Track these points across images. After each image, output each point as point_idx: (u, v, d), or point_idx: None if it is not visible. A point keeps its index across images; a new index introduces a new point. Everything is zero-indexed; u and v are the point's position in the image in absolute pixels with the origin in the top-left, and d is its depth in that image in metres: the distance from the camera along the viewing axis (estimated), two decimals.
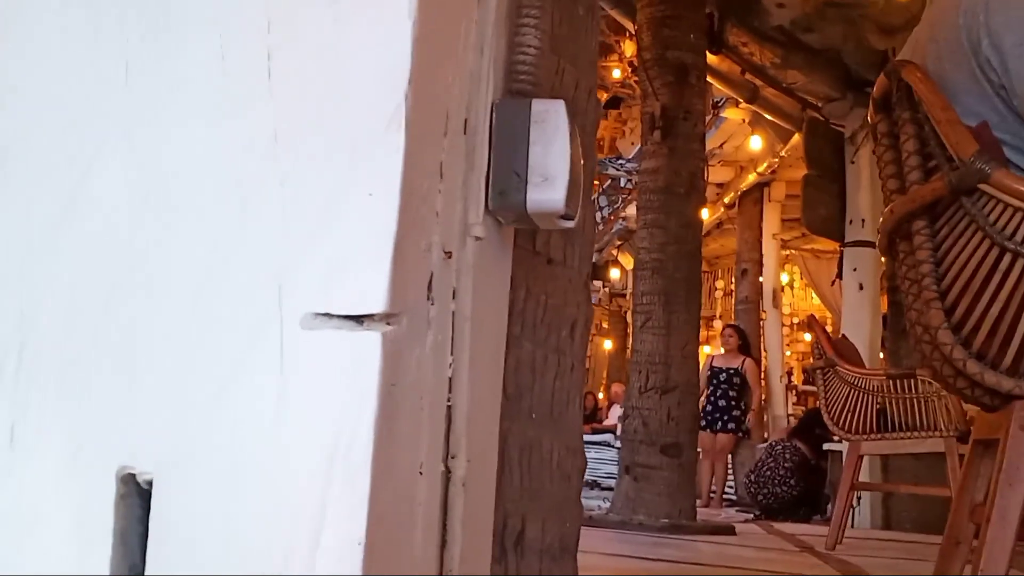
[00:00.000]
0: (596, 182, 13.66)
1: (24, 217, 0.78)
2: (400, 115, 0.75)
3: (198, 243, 0.76)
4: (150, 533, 0.73)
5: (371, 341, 0.73)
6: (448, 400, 0.83)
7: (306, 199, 0.75)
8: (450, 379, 0.83)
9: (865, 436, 4.51)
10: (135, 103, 0.78)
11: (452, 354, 0.84)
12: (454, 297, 0.84)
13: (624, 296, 15.21)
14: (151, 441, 0.74)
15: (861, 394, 4.56)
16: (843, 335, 5.22)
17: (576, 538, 1.14)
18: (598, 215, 13.58)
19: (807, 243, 11.21)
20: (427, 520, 0.79)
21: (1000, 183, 1.61)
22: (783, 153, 9.40)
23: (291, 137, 0.76)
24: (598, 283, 15.00)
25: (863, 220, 7.11)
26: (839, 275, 7.52)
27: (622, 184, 11.81)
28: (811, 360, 5.00)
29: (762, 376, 10.69)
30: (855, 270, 7.16)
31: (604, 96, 16.92)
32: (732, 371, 9.88)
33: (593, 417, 15.18)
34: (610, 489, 12.84)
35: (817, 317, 5.49)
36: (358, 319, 0.73)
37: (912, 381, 4.49)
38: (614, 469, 13.42)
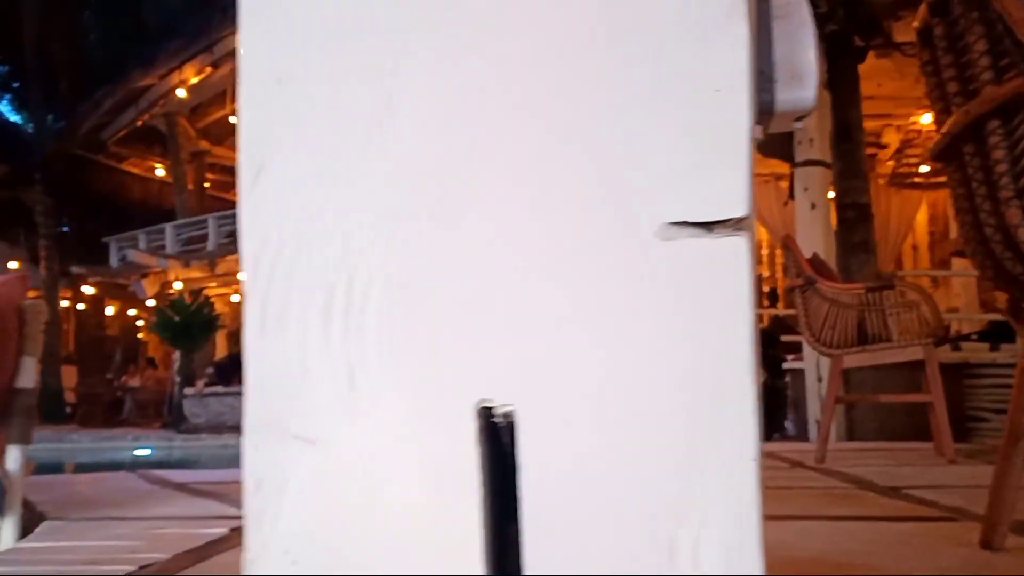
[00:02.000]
0: None
1: (340, 132, 0.71)
2: (741, 1, 0.70)
3: (531, 155, 0.70)
4: (521, 467, 0.68)
5: (737, 249, 0.68)
6: None
7: (645, 99, 0.69)
8: None
9: (847, 350, 4.61)
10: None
11: None
12: None
13: None
14: (507, 372, 0.69)
15: (840, 309, 4.66)
16: (815, 253, 5.31)
17: None
18: None
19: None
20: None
21: None
22: None
23: (623, 32, 0.70)
24: None
25: (811, 139, 7.22)
26: (791, 195, 7.64)
27: None
28: (788, 280, 5.08)
29: None
30: (806, 190, 7.29)
31: None
32: None
33: None
34: None
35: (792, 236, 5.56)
36: (715, 225, 0.69)
37: (890, 293, 4.61)
38: None
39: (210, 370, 16.80)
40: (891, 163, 12.63)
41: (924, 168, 12.46)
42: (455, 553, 0.68)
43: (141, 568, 2.20)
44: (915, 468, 4.29)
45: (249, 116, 0.72)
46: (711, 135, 0.69)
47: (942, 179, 10.45)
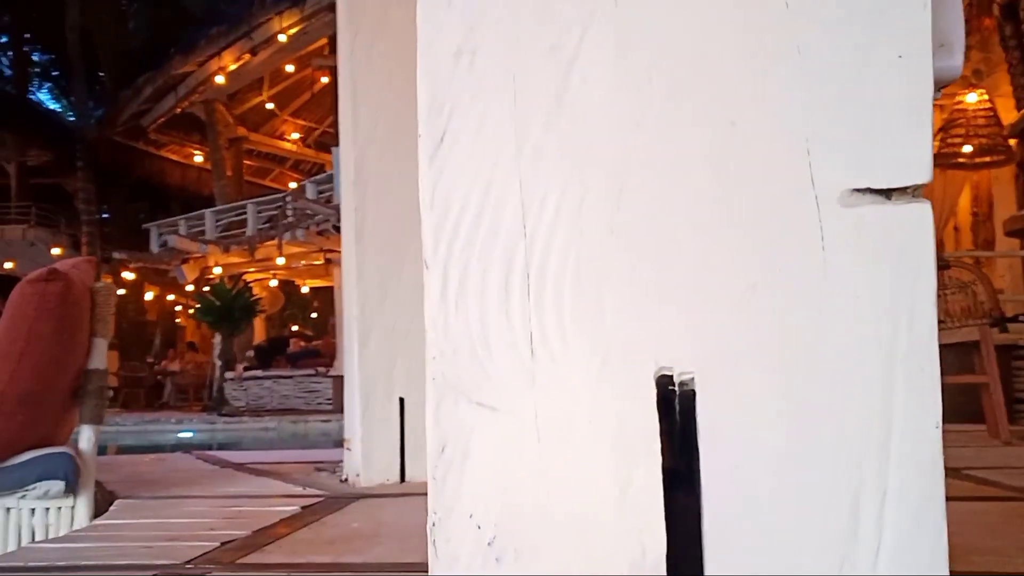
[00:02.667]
0: None
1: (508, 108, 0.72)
2: None
3: (712, 121, 0.70)
4: (699, 431, 0.69)
5: (921, 216, 0.68)
6: None
7: (825, 67, 0.69)
8: None
9: None
10: None
11: None
12: None
13: None
14: (687, 340, 0.69)
15: None
16: None
17: None
18: None
19: None
20: None
21: None
22: None
23: (804, 3, 0.70)
24: None
25: None
26: None
27: None
28: None
29: None
30: None
31: None
32: None
33: None
34: None
35: None
36: (895, 192, 0.69)
37: (943, 273, 4.55)
38: None
39: (250, 353, 16.97)
40: (935, 143, 12.43)
41: (967, 148, 12.28)
42: (635, 518, 0.69)
43: (223, 544, 2.24)
44: (971, 449, 4.24)
45: (428, 88, 0.73)
46: (894, 101, 0.69)
47: (987, 159, 10.28)
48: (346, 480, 3.44)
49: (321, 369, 16.44)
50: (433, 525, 0.71)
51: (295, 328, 25.03)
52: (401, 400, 3.41)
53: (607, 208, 0.71)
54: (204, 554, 2.13)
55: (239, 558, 2.09)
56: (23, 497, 2.99)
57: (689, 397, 0.69)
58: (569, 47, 0.71)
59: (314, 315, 28.04)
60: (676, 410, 0.70)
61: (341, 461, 3.83)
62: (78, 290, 3.01)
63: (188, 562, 2.05)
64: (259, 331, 19.37)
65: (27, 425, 2.96)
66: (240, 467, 4.07)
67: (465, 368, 0.71)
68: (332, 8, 12.57)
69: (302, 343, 19.44)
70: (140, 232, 23.43)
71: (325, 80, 18.92)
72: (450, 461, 0.71)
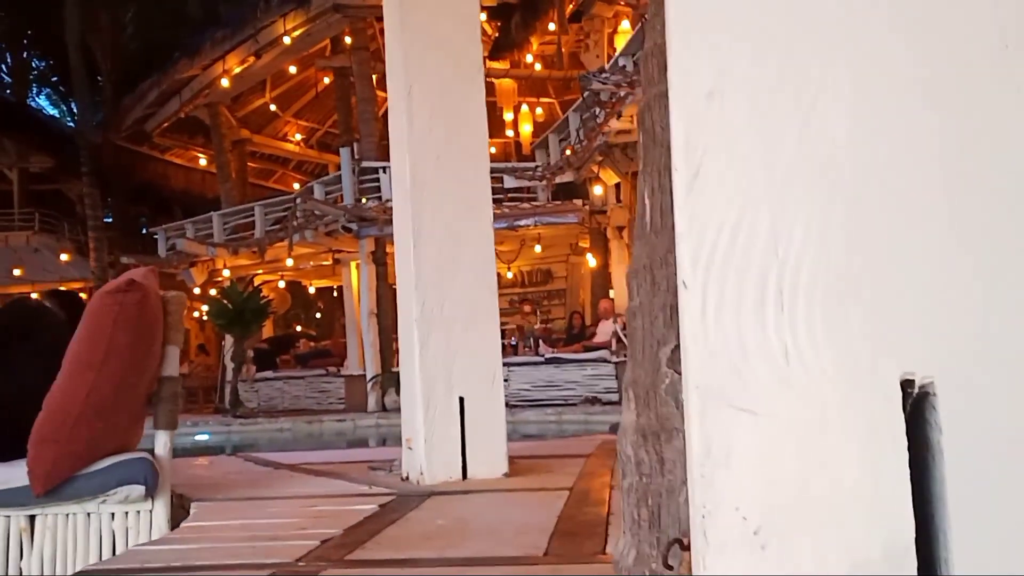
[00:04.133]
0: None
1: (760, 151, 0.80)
2: None
3: (944, 151, 0.79)
4: (942, 430, 0.77)
5: None
6: None
7: None
8: None
9: None
10: (850, 27, 0.80)
11: None
12: None
13: (605, 213, 15.25)
14: (926, 347, 0.78)
15: None
16: None
17: None
18: (578, 131, 13.52)
19: None
20: None
21: None
22: None
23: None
24: (579, 201, 15.00)
25: None
26: None
27: (603, 98, 11.76)
28: None
29: None
30: None
31: (570, 8, 16.74)
32: None
33: (582, 336, 15.33)
34: (611, 403, 13.15)
35: None
36: None
37: None
38: (612, 384, 13.73)
39: (250, 354, 16.99)
40: None
41: None
42: (886, 507, 0.78)
43: (323, 542, 2.33)
44: None
45: (682, 127, 0.82)
46: None
47: None
48: (407, 478, 3.53)
49: (332, 369, 16.54)
50: (703, 517, 0.80)
51: (299, 328, 25.13)
52: (461, 399, 3.50)
53: (849, 229, 0.79)
54: (309, 552, 2.21)
55: (346, 555, 2.18)
56: (103, 502, 3.07)
57: (930, 399, 0.78)
58: (811, 89, 0.80)
59: (318, 315, 28.13)
60: (919, 411, 0.78)
61: (394, 460, 3.92)
62: (153, 300, 3.10)
63: (299, 560, 2.14)
64: (268, 331, 19.43)
65: (107, 432, 3.05)
66: (294, 468, 4.16)
67: (726, 377, 0.80)
68: (337, 9, 12.63)
69: (311, 344, 19.54)
70: (143, 236, 23.48)
71: (327, 81, 18.98)
72: (716, 460, 0.80)
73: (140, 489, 3.01)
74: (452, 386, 3.51)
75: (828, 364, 0.79)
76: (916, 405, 0.79)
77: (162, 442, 3.19)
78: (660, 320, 1.38)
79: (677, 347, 1.33)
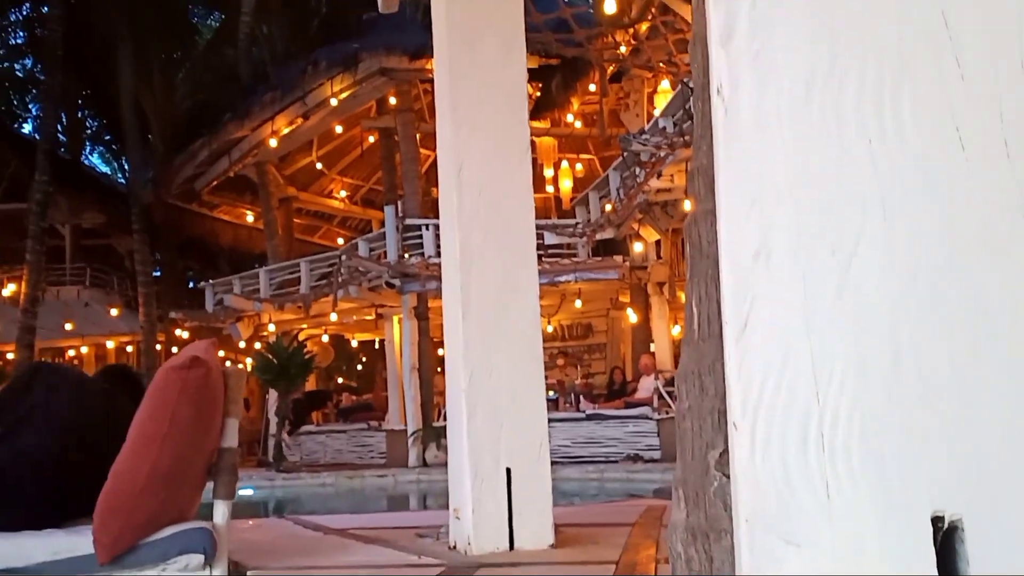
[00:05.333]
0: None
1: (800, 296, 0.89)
2: None
3: (968, 306, 0.87)
4: (971, 570, 0.85)
5: None
6: None
7: None
8: None
9: None
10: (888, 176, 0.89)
11: None
12: None
13: (645, 269, 15.32)
14: (955, 485, 0.86)
15: None
16: None
17: None
18: (618, 189, 13.67)
19: None
20: None
21: None
22: None
23: None
24: (619, 257, 15.09)
25: None
26: None
27: (643, 158, 11.90)
28: None
29: None
30: None
31: (610, 70, 16.99)
32: None
33: (623, 392, 15.31)
34: (653, 461, 13.07)
35: None
36: None
37: None
38: (655, 441, 13.66)
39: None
40: None
41: None
42: None
43: None
44: None
45: (731, 282, 0.91)
46: None
47: None
48: (455, 547, 3.60)
49: (373, 423, 16.65)
50: None
51: (340, 381, 25.35)
52: (508, 470, 3.58)
53: (884, 374, 0.88)
54: None
55: None
56: (164, 570, 3.17)
57: (959, 533, 0.86)
58: (847, 248, 0.89)
59: (360, 368, 28.36)
60: (949, 544, 0.86)
61: (440, 527, 4.00)
62: (215, 375, 3.22)
63: None
64: (309, 384, 19.63)
65: (168, 502, 3.15)
66: (343, 533, 4.24)
67: (773, 510, 0.88)
68: (383, 72, 12.95)
69: (353, 397, 19.70)
70: (190, 290, 23.98)
71: (372, 140, 19.40)
72: None
73: (200, 558, 3.10)
74: (499, 457, 3.59)
75: (865, 500, 0.87)
76: (946, 539, 0.87)
77: (220, 511, 3.29)
78: (709, 423, 1.46)
79: (725, 451, 1.41)
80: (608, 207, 14.08)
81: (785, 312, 0.89)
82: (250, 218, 22.19)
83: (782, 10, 0.88)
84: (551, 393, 15.13)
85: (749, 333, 0.90)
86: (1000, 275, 0.87)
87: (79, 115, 29.24)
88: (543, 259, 14.66)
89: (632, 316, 16.04)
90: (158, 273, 23.77)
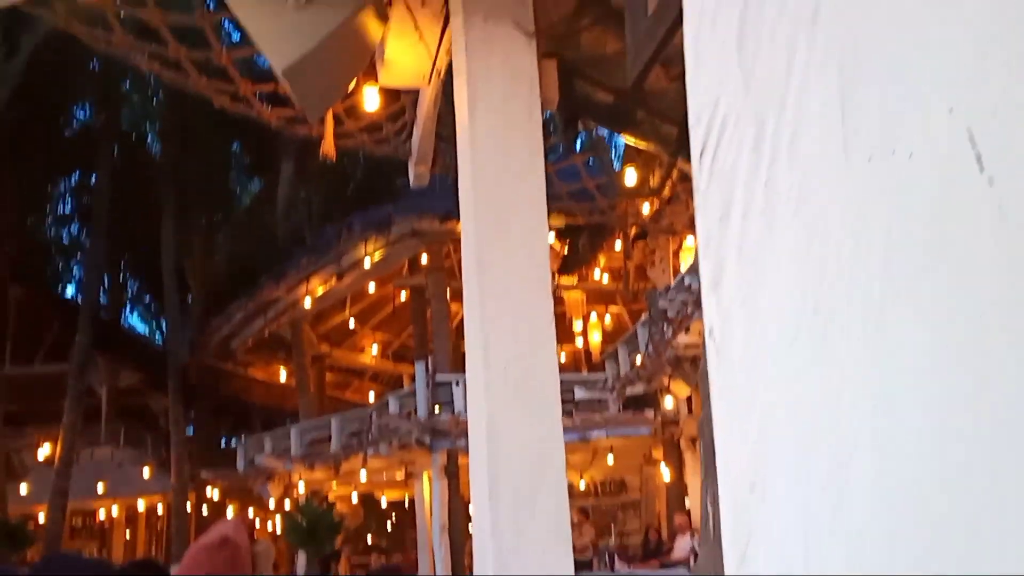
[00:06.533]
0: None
1: None
2: None
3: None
4: None
5: None
6: None
7: None
8: None
9: None
10: None
11: None
12: None
13: (677, 424, 15.19)
14: None
15: None
16: None
17: None
18: (647, 345, 13.73)
19: None
20: None
21: None
22: None
23: None
24: (650, 412, 15.01)
25: None
26: None
27: (671, 315, 12.03)
28: None
29: None
30: None
31: (633, 231, 17.40)
32: None
33: (658, 552, 14.90)
34: None
35: None
36: None
37: None
38: None
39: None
40: None
41: None
42: None
43: None
44: None
45: (730, 514, 0.97)
46: None
47: None
48: None
49: None
50: None
51: (370, 541, 24.87)
52: None
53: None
54: None
55: None
56: None
57: None
58: (838, 482, 0.94)
59: (389, 527, 27.84)
60: None
61: None
62: (243, 555, 3.24)
63: None
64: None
65: None
66: None
67: None
68: (415, 234, 13.34)
69: (382, 558, 19.31)
70: (222, 448, 24.04)
71: (404, 296, 19.80)
72: None
73: None
74: None
75: None
76: None
77: None
78: None
79: None
80: (638, 362, 14.13)
81: (781, 540, 0.94)
82: (283, 376, 22.44)
83: (768, 258, 0.97)
84: (587, 554, 14.76)
85: (748, 564, 0.94)
86: (996, 515, 0.92)
87: (121, 278, 30.19)
88: (574, 414, 14.62)
89: (666, 473, 15.78)
90: (191, 431, 23.88)
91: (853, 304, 0.92)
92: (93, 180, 25.05)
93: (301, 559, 16.07)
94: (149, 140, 27.62)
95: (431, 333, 17.28)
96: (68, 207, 30.42)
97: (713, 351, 0.98)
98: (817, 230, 0.94)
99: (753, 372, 0.97)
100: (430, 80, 4.35)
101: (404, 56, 4.29)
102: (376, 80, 4.44)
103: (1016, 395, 0.82)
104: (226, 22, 4.14)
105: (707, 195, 1.04)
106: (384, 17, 3.76)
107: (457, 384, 15.15)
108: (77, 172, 28.43)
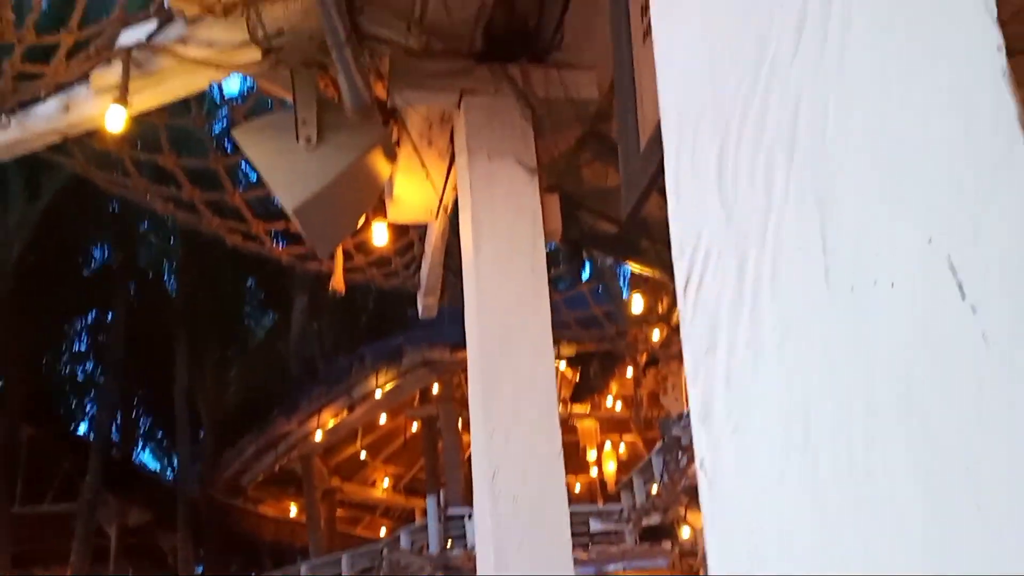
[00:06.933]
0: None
1: None
2: None
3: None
4: None
5: None
6: None
7: None
8: None
9: None
10: None
11: None
12: None
13: (695, 555, 14.75)
14: None
15: None
16: None
17: None
18: (662, 473, 13.49)
19: None
20: None
21: None
22: None
23: None
24: (667, 543, 14.60)
25: None
26: None
27: (684, 442, 11.87)
28: None
29: None
30: None
31: (643, 357, 17.36)
32: None
33: None
34: None
35: None
36: None
37: None
38: None
39: None
40: None
41: None
42: None
43: None
44: None
45: None
46: None
47: None
48: None
49: None
50: None
51: None
52: None
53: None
54: None
55: None
56: None
57: None
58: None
59: None
60: None
61: None
62: None
63: None
64: None
65: None
66: None
67: None
68: (426, 364, 13.29)
69: None
70: None
71: (415, 427, 19.63)
72: None
73: None
74: None
75: None
76: None
77: None
78: None
79: None
80: (653, 491, 13.85)
81: None
82: (293, 511, 22.03)
83: (755, 390, 0.98)
84: None
85: None
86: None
87: (133, 414, 30.07)
88: (589, 547, 14.24)
89: None
90: (200, 570, 23.30)
91: (838, 439, 0.92)
92: (109, 318, 25.31)
93: None
94: (165, 278, 28.06)
95: (443, 465, 17.05)
96: (83, 345, 30.62)
97: (705, 483, 0.97)
98: (801, 362, 0.95)
99: (744, 504, 0.96)
100: (437, 215, 4.44)
101: (412, 193, 4.40)
102: (385, 216, 4.53)
103: (1007, 525, 0.81)
104: (240, 164, 4.28)
105: (693, 327, 1.05)
106: (392, 156, 3.88)
107: (469, 518, 14.83)
108: (94, 311, 28.74)
